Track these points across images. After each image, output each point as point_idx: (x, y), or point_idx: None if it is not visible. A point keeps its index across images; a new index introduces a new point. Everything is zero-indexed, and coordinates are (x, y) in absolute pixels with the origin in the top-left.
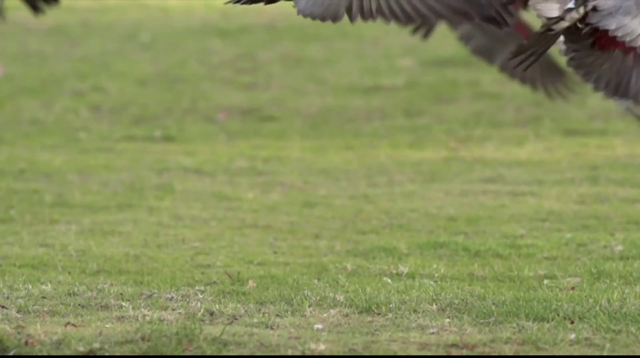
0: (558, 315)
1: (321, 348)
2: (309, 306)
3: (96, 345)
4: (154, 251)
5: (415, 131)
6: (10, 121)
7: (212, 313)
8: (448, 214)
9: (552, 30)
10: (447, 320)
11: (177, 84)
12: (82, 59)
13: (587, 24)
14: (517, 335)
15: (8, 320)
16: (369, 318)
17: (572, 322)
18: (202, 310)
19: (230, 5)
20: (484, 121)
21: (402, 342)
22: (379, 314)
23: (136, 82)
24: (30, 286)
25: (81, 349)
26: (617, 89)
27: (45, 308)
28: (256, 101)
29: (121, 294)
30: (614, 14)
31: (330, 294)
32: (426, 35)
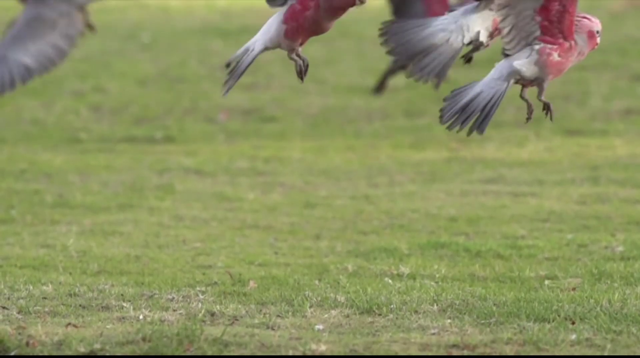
0: (559, 315)
1: (322, 348)
2: (310, 307)
3: (97, 346)
4: (155, 252)
5: (416, 131)
6: (10, 121)
7: (213, 314)
8: (449, 214)
9: None
10: (448, 320)
11: (178, 84)
12: (82, 59)
13: None
14: (518, 336)
15: (9, 321)
16: (369, 319)
17: (573, 323)
18: (203, 311)
19: (231, 5)
20: None
21: (403, 343)
22: (380, 315)
23: (137, 82)
24: (31, 287)
25: (82, 350)
26: None
27: (46, 309)
28: (257, 101)
29: (122, 295)
30: None
31: (331, 295)
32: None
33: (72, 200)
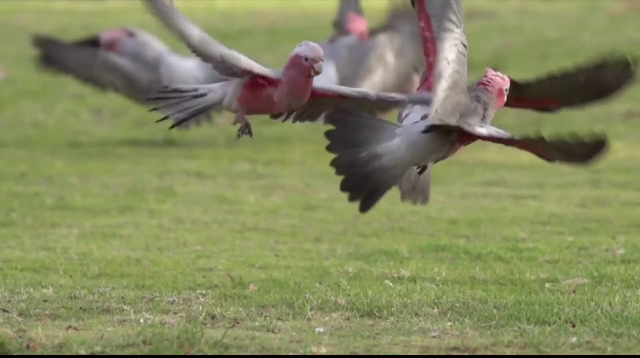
0: (559, 318)
1: (322, 351)
2: (311, 309)
3: (98, 349)
4: (155, 255)
5: None
6: (11, 124)
7: (213, 317)
8: (449, 217)
9: None
10: (449, 323)
11: None
12: None
13: None
14: (518, 339)
15: (10, 324)
16: (370, 322)
17: (574, 325)
18: (203, 314)
19: (232, 8)
20: None
21: (404, 346)
22: (380, 317)
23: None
24: (31, 290)
25: (83, 353)
26: None
27: (47, 312)
28: None
29: (122, 297)
30: None
31: (332, 297)
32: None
33: (73, 203)
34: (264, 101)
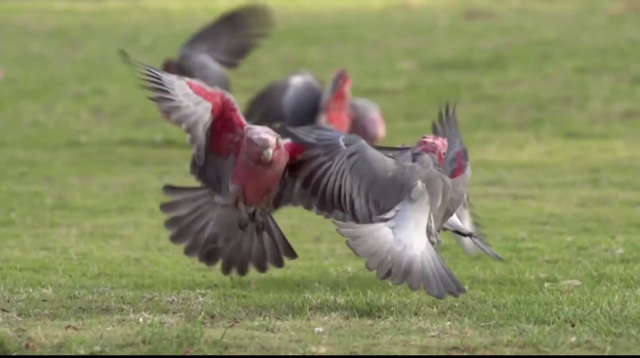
0: (559, 318)
1: (322, 351)
2: (310, 309)
3: (97, 348)
4: (155, 254)
5: (416, 133)
6: (11, 123)
7: (212, 316)
8: None
9: None
10: (448, 323)
11: None
12: (82, 62)
13: None
14: (517, 338)
15: (9, 323)
16: (369, 321)
17: (573, 325)
18: (202, 313)
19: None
20: (485, 123)
21: (403, 345)
22: (379, 317)
23: (137, 85)
24: (31, 290)
25: (82, 352)
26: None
27: (46, 312)
28: None
29: (122, 297)
30: None
31: (331, 297)
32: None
33: (72, 203)
34: (244, 168)
